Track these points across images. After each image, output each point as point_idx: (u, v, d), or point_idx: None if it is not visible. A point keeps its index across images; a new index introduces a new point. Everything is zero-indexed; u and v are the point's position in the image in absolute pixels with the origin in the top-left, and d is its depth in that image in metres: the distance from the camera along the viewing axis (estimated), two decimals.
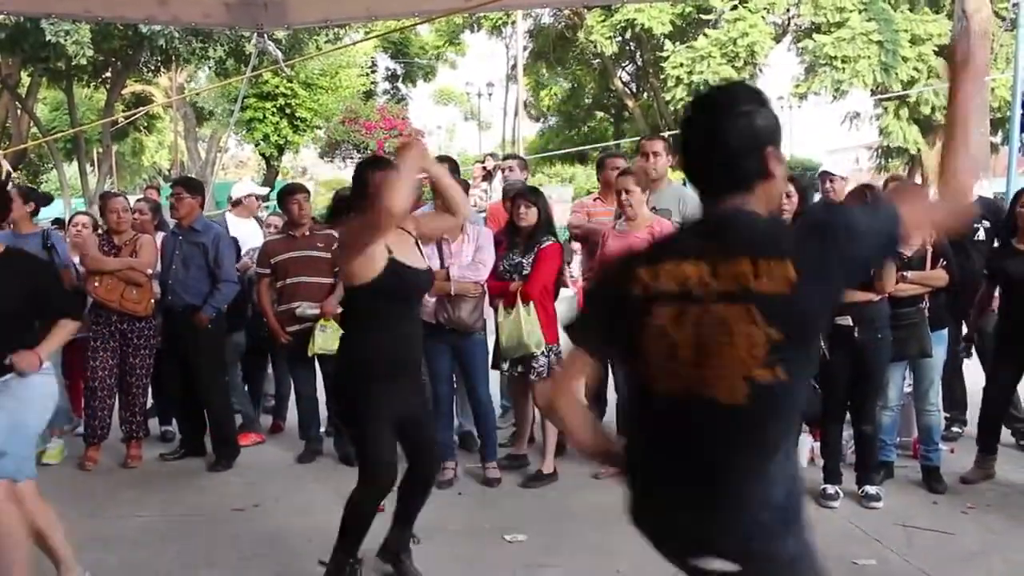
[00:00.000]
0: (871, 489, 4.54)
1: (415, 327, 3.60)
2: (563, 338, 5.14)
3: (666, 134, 17.84)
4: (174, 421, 6.02)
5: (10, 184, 19.62)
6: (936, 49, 20.31)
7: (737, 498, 1.71)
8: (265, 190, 7.24)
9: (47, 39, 16.21)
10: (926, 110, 20.66)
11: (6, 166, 13.67)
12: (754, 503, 1.70)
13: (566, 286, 5.84)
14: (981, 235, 5.38)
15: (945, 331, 4.93)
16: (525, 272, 4.89)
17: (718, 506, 1.72)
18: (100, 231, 6.06)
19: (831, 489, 4.59)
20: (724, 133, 1.73)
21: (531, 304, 4.79)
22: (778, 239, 1.69)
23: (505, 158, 7.56)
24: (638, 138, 21.42)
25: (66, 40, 16.22)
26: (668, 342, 1.71)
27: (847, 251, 1.65)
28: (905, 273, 4.51)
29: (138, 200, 6.23)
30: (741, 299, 1.64)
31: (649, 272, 1.74)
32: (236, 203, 6.90)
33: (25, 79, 22.19)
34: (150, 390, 5.80)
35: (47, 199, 6.10)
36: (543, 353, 4.82)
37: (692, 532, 1.77)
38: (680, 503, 1.76)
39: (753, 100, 1.75)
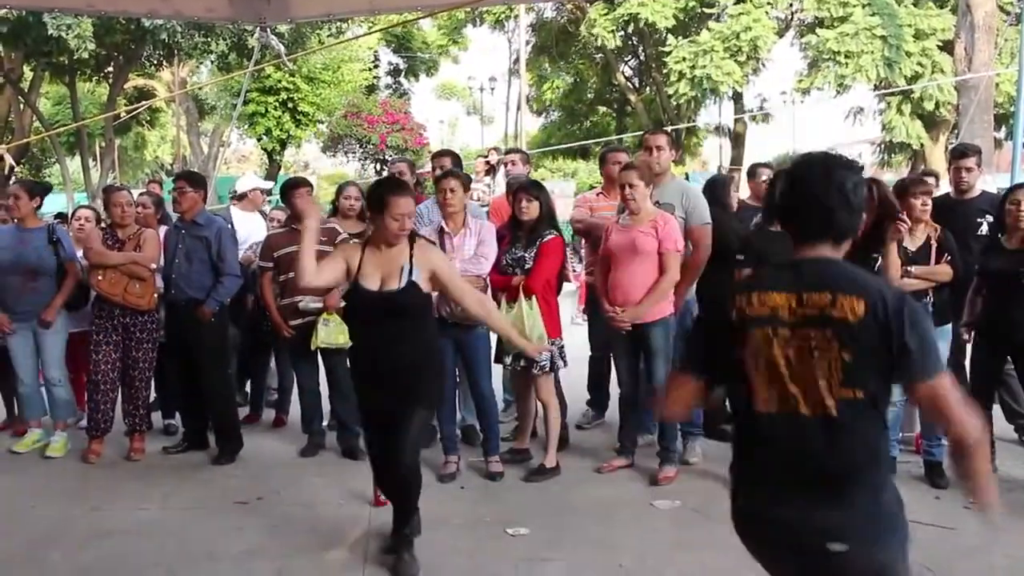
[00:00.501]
0: None
1: (386, 341, 3.67)
2: (565, 332, 5.17)
3: (669, 128, 17.83)
4: (177, 414, 6.02)
5: (13, 178, 19.65)
6: (940, 44, 20.24)
7: (849, 497, 1.99)
8: (269, 184, 7.23)
9: (49, 33, 16.21)
10: (929, 105, 20.58)
11: (9, 160, 13.68)
12: (859, 502, 1.99)
13: (568, 280, 5.85)
14: (984, 230, 5.36)
15: (948, 326, 4.92)
16: (527, 266, 4.89)
17: (830, 505, 1.98)
18: (103, 225, 6.06)
19: None
20: (832, 195, 2.05)
21: (533, 298, 4.79)
22: (855, 281, 2.01)
23: (507, 152, 7.55)
24: (640, 133, 21.42)
25: (68, 34, 16.22)
26: (764, 362, 2.02)
27: (900, 333, 1.94)
28: (910, 268, 4.50)
29: (141, 194, 6.23)
30: (821, 324, 1.97)
31: (744, 298, 2.06)
32: (240, 197, 6.90)
33: (28, 73, 22.21)
34: (153, 383, 5.81)
35: (46, 188, 6.11)
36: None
37: (807, 527, 1.99)
38: (796, 504, 2.01)
39: (857, 170, 2.10)
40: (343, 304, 5.24)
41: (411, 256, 3.63)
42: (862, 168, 2.10)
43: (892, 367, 1.97)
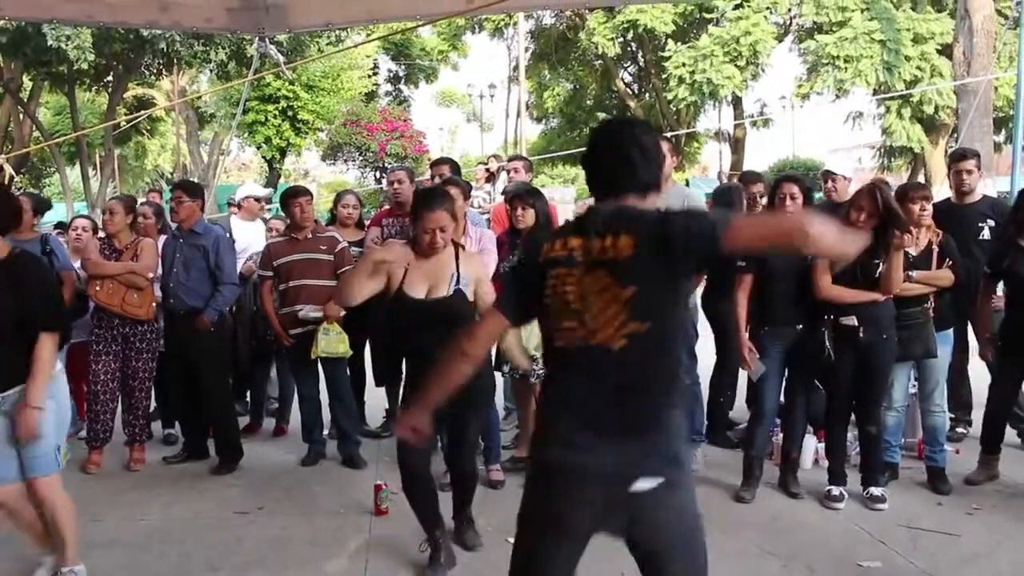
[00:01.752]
0: (876, 490, 4.53)
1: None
2: None
3: (668, 134, 17.84)
4: (177, 424, 6.01)
5: (13, 188, 19.68)
6: (939, 48, 20.27)
7: (656, 421, 2.12)
8: (265, 191, 7.20)
9: (49, 44, 16.26)
10: (929, 109, 20.61)
11: (9, 170, 13.69)
12: (666, 424, 2.14)
13: None
14: (986, 234, 5.34)
15: (950, 331, 4.91)
16: None
17: (641, 431, 2.11)
18: (101, 235, 6.06)
19: (836, 490, 4.57)
20: (632, 148, 2.21)
21: None
22: (630, 221, 2.11)
23: (510, 160, 7.51)
24: None
25: (68, 45, 16.26)
26: (561, 300, 2.16)
27: (675, 239, 2.05)
28: (911, 273, 4.49)
29: (141, 204, 6.23)
30: (605, 264, 2.10)
31: (549, 245, 2.22)
32: (239, 205, 6.90)
33: (27, 83, 22.26)
34: (153, 393, 5.80)
35: (47, 205, 6.11)
36: (542, 354, 4.79)
37: (621, 461, 2.09)
38: (607, 440, 2.10)
39: (650, 130, 2.35)
40: (342, 314, 5.27)
41: (457, 264, 3.67)
42: (650, 127, 2.37)
43: (678, 294, 2.16)
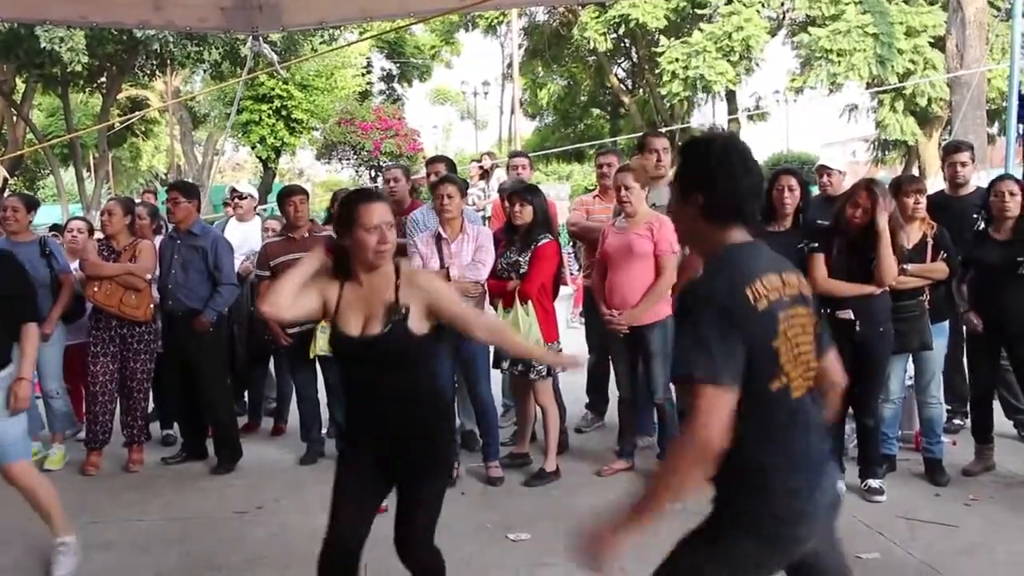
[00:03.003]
0: (874, 482, 4.55)
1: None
2: (561, 336, 5.15)
3: (663, 129, 17.83)
4: (175, 425, 6.01)
5: (7, 191, 19.57)
6: (931, 41, 20.30)
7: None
8: (249, 188, 7.12)
9: (42, 46, 16.21)
10: (922, 102, 20.64)
11: (2, 173, 13.64)
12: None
13: (565, 284, 5.84)
14: (982, 226, 5.36)
15: (946, 323, 4.93)
16: (522, 271, 4.88)
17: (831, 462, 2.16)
18: (99, 236, 6.05)
19: None
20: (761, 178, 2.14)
21: (529, 303, 4.78)
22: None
23: (513, 155, 7.44)
24: (635, 135, 21.42)
25: (61, 47, 16.22)
26: (794, 345, 2.02)
27: None
28: (905, 266, 4.50)
29: (136, 205, 6.22)
30: (803, 303, 2.08)
31: (758, 286, 1.98)
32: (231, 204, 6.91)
33: (20, 85, 22.20)
34: (151, 394, 5.80)
35: (35, 202, 6.09)
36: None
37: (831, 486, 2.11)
38: (817, 487, 2.06)
39: None
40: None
41: (396, 288, 2.82)
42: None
43: None
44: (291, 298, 2.82)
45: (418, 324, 2.81)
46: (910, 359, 4.84)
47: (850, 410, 4.70)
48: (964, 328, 5.09)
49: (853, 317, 4.42)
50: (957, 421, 5.64)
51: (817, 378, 2.14)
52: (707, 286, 2.01)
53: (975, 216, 5.36)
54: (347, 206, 2.90)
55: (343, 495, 2.91)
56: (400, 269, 2.88)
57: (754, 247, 2.09)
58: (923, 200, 4.75)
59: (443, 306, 2.87)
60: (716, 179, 2.05)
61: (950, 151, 5.65)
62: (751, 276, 1.97)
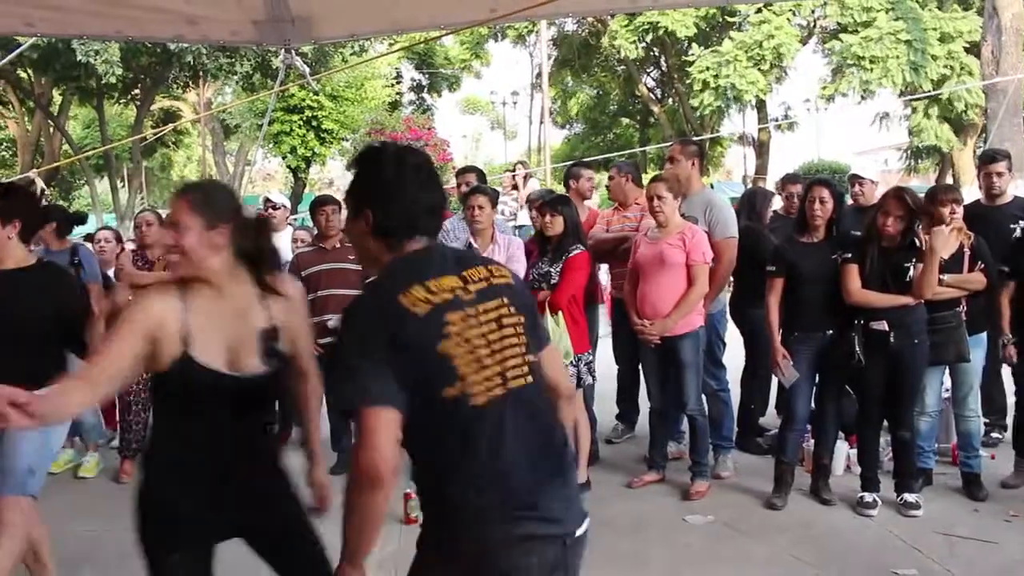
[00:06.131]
0: (910, 497, 4.47)
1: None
2: (598, 348, 5.13)
3: (693, 138, 17.73)
4: None
5: (43, 201, 19.89)
6: (966, 46, 20.06)
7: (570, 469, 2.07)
8: (280, 198, 7.19)
9: (78, 59, 16.50)
10: (959, 107, 20.39)
11: (40, 183, 13.90)
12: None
13: (602, 301, 5.80)
14: (1018, 234, 5.27)
15: (984, 335, 4.85)
16: (553, 281, 4.87)
17: (565, 480, 1.99)
18: (123, 245, 6.14)
19: (869, 497, 4.52)
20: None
21: (559, 314, 4.76)
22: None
23: (573, 167, 6.79)
24: (664, 144, 21.36)
25: (96, 59, 16.50)
26: (468, 346, 1.81)
27: None
28: (942, 276, 4.43)
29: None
30: (494, 295, 1.89)
31: (424, 289, 1.82)
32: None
33: (57, 98, 22.62)
34: None
35: (80, 219, 6.17)
36: (571, 363, 4.78)
37: (562, 510, 1.95)
38: (554, 495, 1.92)
39: None
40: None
41: (265, 302, 2.30)
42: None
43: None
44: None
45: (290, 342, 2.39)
46: (947, 371, 4.77)
47: (885, 423, 4.65)
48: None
49: (887, 328, 4.36)
50: (995, 434, 5.53)
51: (539, 380, 1.94)
52: (354, 306, 1.89)
53: (1012, 226, 5.27)
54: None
55: None
56: (266, 283, 2.33)
57: (425, 252, 1.92)
58: (959, 210, 4.69)
59: (299, 346, 2.48)
60: (388, 195, 1.90)
61: (986, 161, 5.56)
62: (408, 282, 1.81)
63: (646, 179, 5.95)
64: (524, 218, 7.81)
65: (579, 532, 1.98)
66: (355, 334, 1.83)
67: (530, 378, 1.90)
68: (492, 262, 2.01)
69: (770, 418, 5.90)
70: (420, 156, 1.98)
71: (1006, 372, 5.32)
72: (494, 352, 1.84)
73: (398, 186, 1.90)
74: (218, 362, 2.18)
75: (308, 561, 2.50)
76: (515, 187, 8.23)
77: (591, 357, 5.03)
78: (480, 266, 1.93)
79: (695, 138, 19.03)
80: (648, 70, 29.35)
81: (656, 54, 27.34)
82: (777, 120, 26.89)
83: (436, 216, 1.98)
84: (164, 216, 5.88)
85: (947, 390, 4.90)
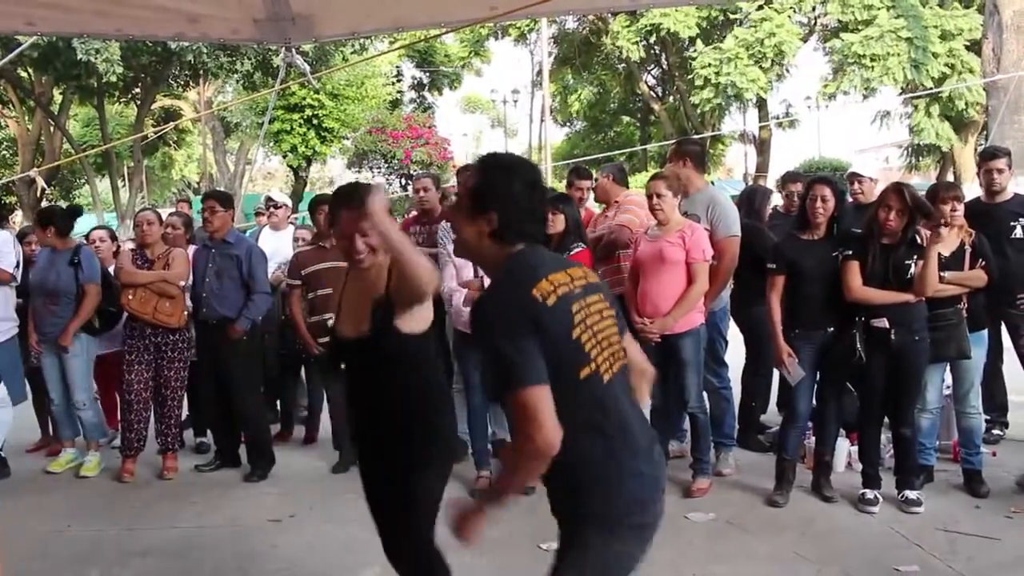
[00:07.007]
0: (911, 494, 4.47)
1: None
2: None
3: (694, 136, 17.73)
4: (209, 432, 6.06)
5: (44, 200, 19.89)
6: (967, 44, 20.04)
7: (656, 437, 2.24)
8: (282, 197, 7.21)
9: (78, 58, 16.49)
10: (960, 105, 20.38)
11: (40, 182, 13.89)
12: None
13: None
14: (1018, 232, 5.26)
15: (984, 332, 4.85)
16: None
17: (657, 447, 2.18)
18: (131, 244, 6.14)
19: (870, 494, 4.52)
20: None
21: None
22: None
23: (573, 172, 6.82)
24: (665, 142, 21.35)
25: (97, 58, 16.49)
26: (590, 332, 2.07)
27: None
28: (943, 274, 4.43)
29: (171, 214, 6.30)
30: (595, 290, 2.15)
31: (548, 283, 2.05)
32: (267, 215, 6.97)
33: (57, 96, 22.61)
34: (185, 402, 5.85)
35: (76, 212, 6.18)
36: None
37: (660, 483, 2.18)
38: (654, 465, 2.14)
39: None
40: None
41: (388, 287, 2.67)
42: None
43: None
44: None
45: (407, 320, 2.64)
46: (948, 368, 4.77)
47: (886, 420, 4.65)
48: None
49: (888, 326, 4.36)
50: (996, 431, 5.53)
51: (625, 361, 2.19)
52: (493, 299, 2.10)
53: (1012, 224, 5.28)
54: (333, 207, 2.93)
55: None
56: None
57: (534, 250, 2.15)
58: (960, 207, 4.68)
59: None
60: (516, 202, 2.12)
61: (986, 158, 5.55)
62: (535, 277, 2.04)
63: (645, 177, 5.96)
64: None
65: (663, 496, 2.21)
66: (501, 324, 2.01)
67: (625, 360, 2.19)
68: (581, 264, 2.29)
69: (771, 415, 5.90)
70: (536, 172, 2.25)
71: (1007, 370, 5.34)
72: (604, 338, 2.11)
73: (525, 195, 2.14)
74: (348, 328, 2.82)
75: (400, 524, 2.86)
76: None
77: None
78: (576, 267, 2.19)
79: (696, 136, 19.03)
80: (649, 68, 29.34)
81: (657, 53, 27.33)
82: (778, 118, 26.89)
83: (545, 224, 2.30)
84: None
85: (948, 387, 4.90)
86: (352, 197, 2.75)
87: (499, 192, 2.14)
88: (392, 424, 2.76)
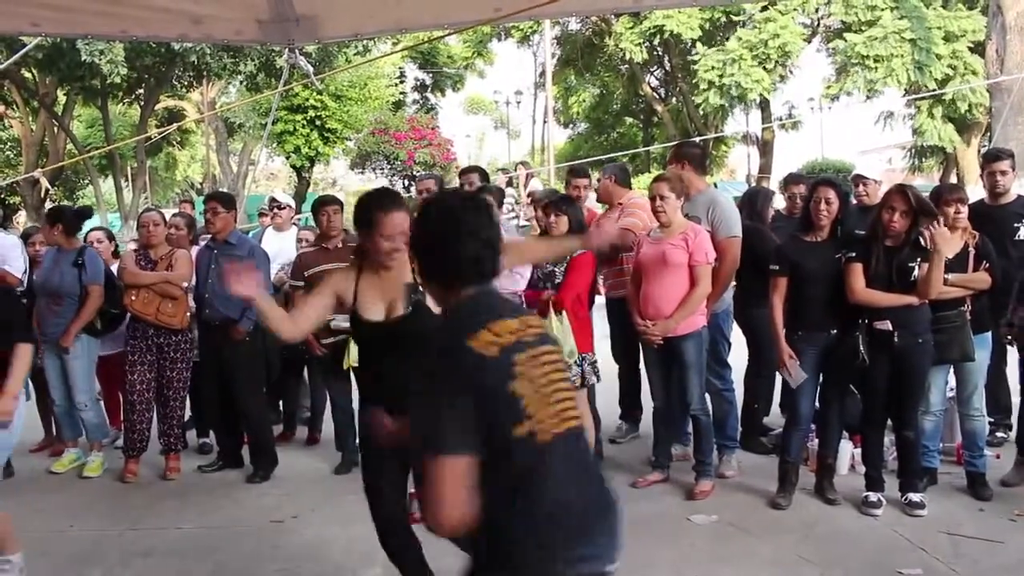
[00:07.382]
0: (915, 496, 4.46)
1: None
2: (597, 348, 5.13)
3: (697, 138, 17.73)
4: (212, 433, 6.06)
5: (48, 201, 19.91)
6: (971, 45, 20.01)
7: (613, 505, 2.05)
8: (285, 198, 7.22)
9: (82, 59, 16.50)
10: (963, 107, 20.34)
11: (44, 183, 13.93)
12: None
13: (599, 293, 5.81)
14: (1022, 234, 5.26)
15: (988, 334, 4.83)
16: (557, 281, 4.87)
17: (610, 516, 2.03)
18: (134, 245, 6.15)
19: (873, 496, 4.51)
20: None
21: (563, 313, 4.76)
22: None
23: (571, 173, 6.73)
24: (668, 144, 21.32)
25: (101, 59, 16.49)
26: (533, 386, 1.90)
27: None
28: (947, 276, 4.42)
29: (174, 215, 6.31)
30: (549, 341, 2.04)
31: (489, 333, 1.91)
32: (271, 215, 6.98)
33: (61, 97, 22.63)
34: (188, 403, 5.86)
35: (86, 213, 6.19)
36: (576, 363, 4.78)
37: (607, 546, 2.00)
38: (601, 544, 1.98)
39: None
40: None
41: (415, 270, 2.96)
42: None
43: None
44: (282, 317, 3.07)
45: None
46: (951, 371, 4.76)
47: (889, 422, 4.64)
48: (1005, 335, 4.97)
49: (891, 328, 4.35)
50: (1000, 434, 5.52)
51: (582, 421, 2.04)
52: (432, 347, 1.96)
53: (1016, 225, 5.27)
54: (367, 208, 3.10)
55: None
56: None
57: (483, 294, 2.05)
58: (964, 209, 4.68)
59: None
60: (431, 247, 2.07)
61: (990, 159, 5.55)
62: (474, 326, 1.90)
63: (648, 179, 5.96)
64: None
65: (614, 567, 2.03)
66: (432, 375, 1.90)
67: (578, 419, 2.01)
68: (533, 313, 2.22)
69: (774, 417, 5.89)
70: (469, 208, 2.10)
71: (1011, 371, 5.32)
72: (552, 392, 1.94)
73: (440, 239, 2.04)
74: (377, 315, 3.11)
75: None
76: (509, 184, 8.23)
77: (595, 357, 5.03)
78: (529, 315, 2.08)
79: (699, 138, 19.01)
80: (652, 69, 29.31)
81: (659, 54, 27.31)
82: (781, 119, 26.85)
83: (483, 263, 2.06)
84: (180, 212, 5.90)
85: (952, 389, 4.88)
86: (399, 199, 3.11)
87: (416, 238, 2.13)
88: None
